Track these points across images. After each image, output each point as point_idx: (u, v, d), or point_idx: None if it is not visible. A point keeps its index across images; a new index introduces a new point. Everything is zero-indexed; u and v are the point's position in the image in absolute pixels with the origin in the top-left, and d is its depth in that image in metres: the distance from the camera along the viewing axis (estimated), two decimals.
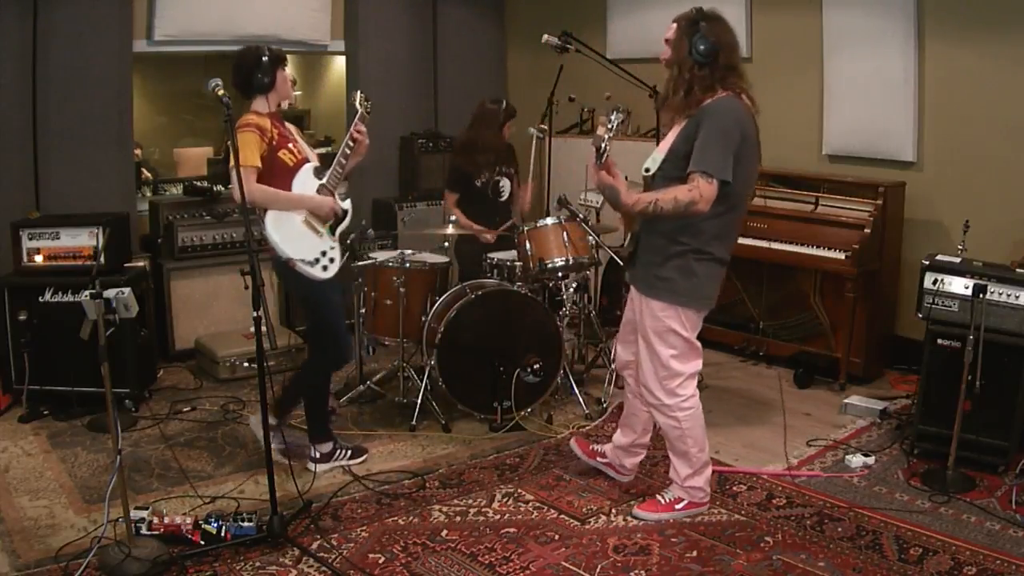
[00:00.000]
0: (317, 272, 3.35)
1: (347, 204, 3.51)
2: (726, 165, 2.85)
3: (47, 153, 4.87)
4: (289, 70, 3.49)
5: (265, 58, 3.36)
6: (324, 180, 3.44)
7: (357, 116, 3.58)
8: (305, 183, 3.41)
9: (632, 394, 3.39)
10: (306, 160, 3.46)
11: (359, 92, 3.65)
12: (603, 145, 2.91)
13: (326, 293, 3.43)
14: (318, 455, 3.60)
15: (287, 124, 3.54)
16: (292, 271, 3.34)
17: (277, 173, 3.34)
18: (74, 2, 4.85)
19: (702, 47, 2.89)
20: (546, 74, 5.21)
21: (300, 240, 3.34)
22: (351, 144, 3.50)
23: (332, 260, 3.40)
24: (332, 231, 3.45)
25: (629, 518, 3.23)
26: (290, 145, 3.42)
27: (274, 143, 3.35)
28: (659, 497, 3.26)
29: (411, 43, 6.25)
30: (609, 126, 2.92)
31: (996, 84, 4.30)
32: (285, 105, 3.56)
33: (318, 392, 3.64)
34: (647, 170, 3.07)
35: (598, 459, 3.59)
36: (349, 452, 3.66)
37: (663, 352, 3.07)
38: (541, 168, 5.28)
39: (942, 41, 4.47)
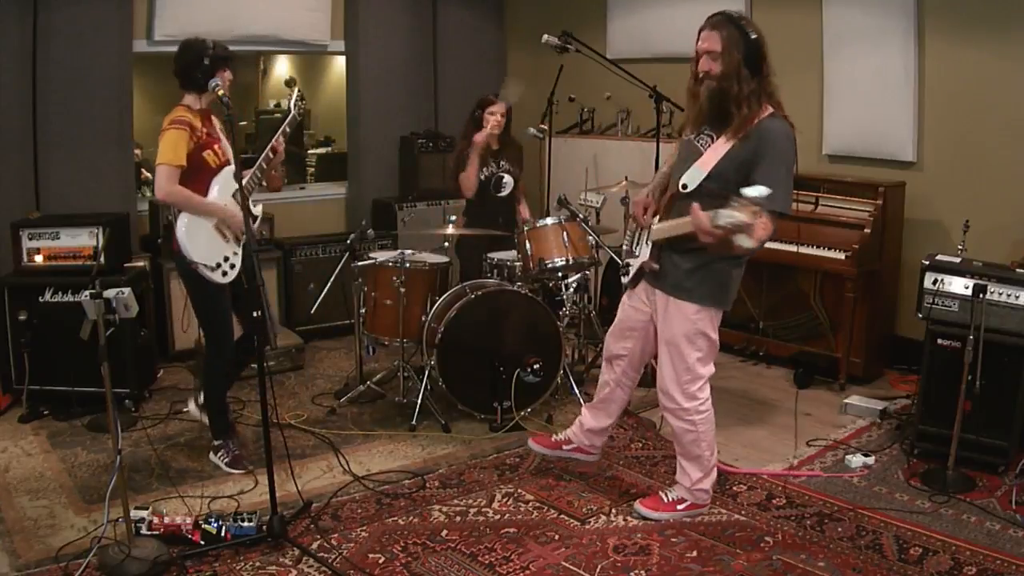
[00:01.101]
0: (217, 277, 3.41)
1: (258, 210, 3.58)
2: (790, 198, 2.91)
3: (47, 153, 4.87)
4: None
5: (206, 61, 3.36)
6: (244, 182, 3.46)
7: (287, 120, 3.61)
8: (224, 185, 3.47)
9: (615, 382, 3.38)
10: (228, 162, 3.50)
11: (296, 90, 3.69)
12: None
13: (218, 296, 3.50)
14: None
15: (214, 120, 3.57)
16: (193, 272, 3.39)
17: (199, 172, 3.40)
18: (74, 2, 4.85)
19: (755, 57, 2.79)
20: (546, 74, 5.22)
21: (206, 245, 3.41)
22: (272, 154, 3.54)
23: (232, 266, 3.46)
24: (238, 238, 3.51)
25: (629, 518, 3.23)
26: (216, 146, 3.46)
27: (201, 142, 3.40)
28: (662, 495, 3.26)
29: (411, 43, 6.24)
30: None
31: (997, 83, 4.30)
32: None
33: (218, 384, 3.69)
34: (684, 186, 2.97)
35: (564, 448, 3.57)
36: (228, 458, 3.64)
37: (691, 355, 3.05)
38: (541, 168, 5.29)
39: (942, 40, 4.47)
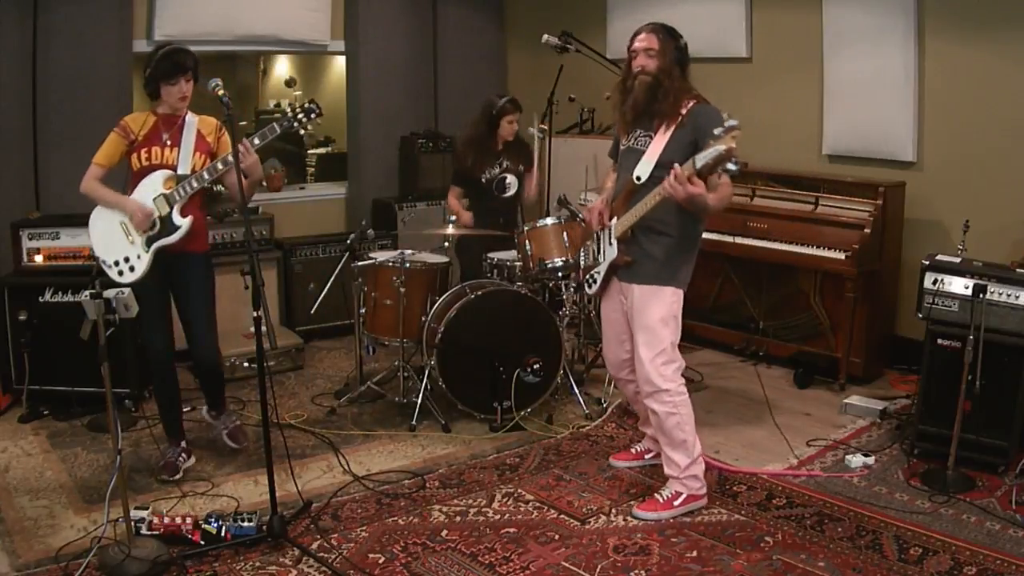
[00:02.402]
0: (112, 275, 3.41)
1: (182, 221, 3.40)
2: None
3: (47, 153, 4.87)
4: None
5: (147, 71, 3.38)
6: (168, 191, 3.40)
7: (267, 128, 3.39)
8: (146, 187, 3.42)
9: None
10: (163, 167, 3.41)
11: (307, 103, 3.44)
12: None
13: (139, 291, 3.40)
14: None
15: (194, 123, 3.47)
16: None
17: (130, 173, 3.48)
18: (74, 2, 4.84)
19: (685, 60, 3.14)
20: (546, 74, 5.21)
21: (109, 241, 3.44)
22: (227, 161, 3.33)
23: (132, 268, 3.41)
24: (149, 243, 3.42)
25: (629, 518, 3.23)
26: (144, 150, 3.41)
27: (135, 144, 3.42)
28: (657, 496, 3.27)
29: (411, 43, 6.24)
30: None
31: (996, 83, 4.29)
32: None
33: (156, 383, 3.71)
34: (638, 178, 3.16)
35: (646, 457, 3.69)
36: (162, 460, 3.61)
37: (667, 338, 3.19)
38: (541, 168, 5.28)
39: (942, 40, 4.47)
